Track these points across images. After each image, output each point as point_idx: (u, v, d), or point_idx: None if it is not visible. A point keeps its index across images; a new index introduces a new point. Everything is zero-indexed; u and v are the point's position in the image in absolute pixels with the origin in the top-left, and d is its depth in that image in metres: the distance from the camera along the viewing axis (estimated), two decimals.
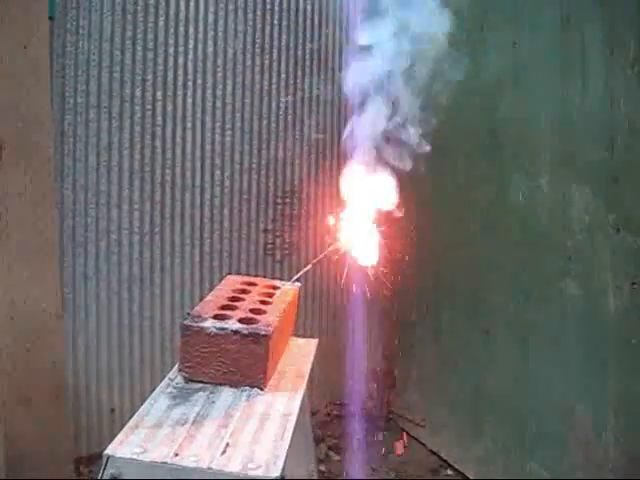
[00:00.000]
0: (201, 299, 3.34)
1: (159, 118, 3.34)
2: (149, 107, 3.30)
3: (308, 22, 3.83)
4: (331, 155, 3.93)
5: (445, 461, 3.45)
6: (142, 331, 3.34)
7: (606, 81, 2.41)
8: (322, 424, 3.82)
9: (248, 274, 3.45)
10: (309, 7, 3.82)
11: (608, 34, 2.39)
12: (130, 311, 3.30)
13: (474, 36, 3.02)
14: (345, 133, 2.78)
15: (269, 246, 3.75)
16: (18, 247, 2.67)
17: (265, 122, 3.71)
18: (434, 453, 3.53)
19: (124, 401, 3.25)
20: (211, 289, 3.34)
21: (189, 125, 3.44)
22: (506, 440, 3.02)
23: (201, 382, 1.79)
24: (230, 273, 3.14)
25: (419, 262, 3.49)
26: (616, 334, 2.41)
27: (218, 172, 3.55)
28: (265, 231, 3.74)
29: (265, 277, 3.28)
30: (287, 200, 3.80)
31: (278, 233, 3.78)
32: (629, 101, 2.33)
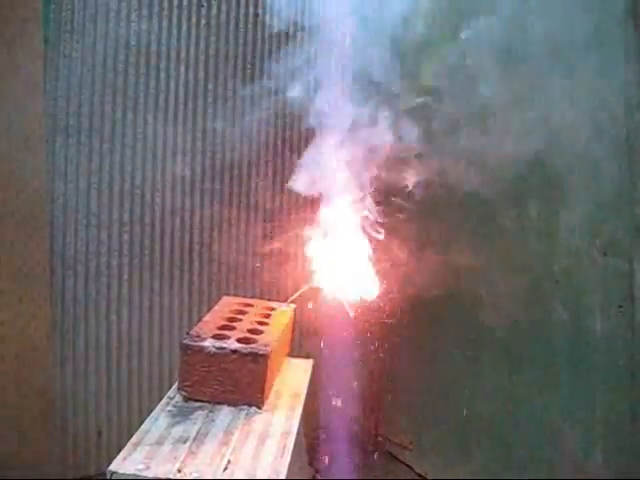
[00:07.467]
0: (190, 321, 3.35)
1: (150, 141, 3.37)
2: (140, 130, 3.33)
3: (297, 49, 3.88)
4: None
5: None
6: (130, 353, 3.30)
7: (593, 107, 2.47)
8: (309, 447, 3.80)
9: (236, 295, 3.45)
10: (299, 35, 3.88)
11: (595, 64, 2.46)
12: (119, 333, 3.29)
13: (464, 64, 3.09)
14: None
15: (258, 268, 3.77)
16: (8, 268, 2.66)
17: (255, 147, 3.74)
18: (422, 476, 3.52)
19: (111, 424, 3.19)
20: (200, 311, 3.36)
21: (179, 148, 3.47)
22: (494, 463, 3.03)
23: (200, 401, 1.80)
24: (220, 296, 3.14)
25: (407, 287, 3.51)
26: (603, 357, 2.44)
27: (208, 195, 3.57)
28: (254, 254, 3.76)
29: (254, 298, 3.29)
30: (276, 223, 3.82)
31: (266, 256, 3.80)
32: (614, 128, 2.38)
